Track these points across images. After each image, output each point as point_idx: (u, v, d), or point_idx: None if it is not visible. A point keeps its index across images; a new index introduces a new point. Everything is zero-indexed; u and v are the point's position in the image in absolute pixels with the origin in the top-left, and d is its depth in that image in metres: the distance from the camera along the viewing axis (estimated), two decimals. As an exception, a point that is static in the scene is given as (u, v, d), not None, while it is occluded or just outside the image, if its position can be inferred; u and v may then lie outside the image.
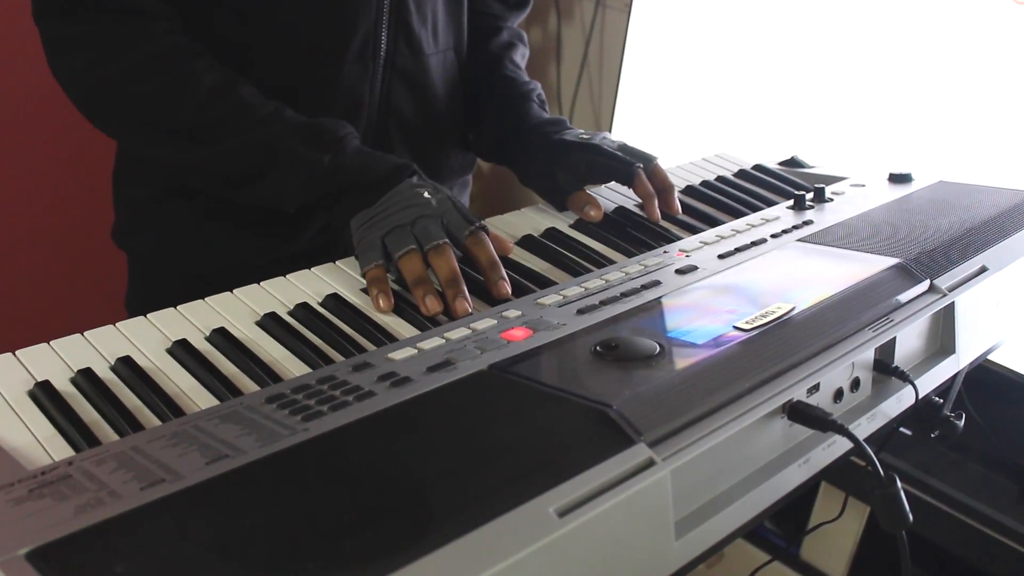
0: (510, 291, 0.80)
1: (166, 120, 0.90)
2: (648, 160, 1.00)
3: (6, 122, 1.91)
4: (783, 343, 0.64)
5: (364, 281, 0.80)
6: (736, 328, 0.65)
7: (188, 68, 0.89)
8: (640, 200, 0.99)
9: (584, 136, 1.01)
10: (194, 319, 0.74)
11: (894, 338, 0.71)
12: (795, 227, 0.91)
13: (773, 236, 0.89)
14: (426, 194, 0.84)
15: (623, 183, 1.00)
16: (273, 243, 0.99)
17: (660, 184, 0.99)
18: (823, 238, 0.87)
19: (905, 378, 0.72)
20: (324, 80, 0.96)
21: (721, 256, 0.83)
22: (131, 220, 1.07)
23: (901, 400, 0.73)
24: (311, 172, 0.87)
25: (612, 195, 1.05)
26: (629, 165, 0.97)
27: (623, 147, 1.01)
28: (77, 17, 0.89)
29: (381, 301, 0.78)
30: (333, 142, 0.88)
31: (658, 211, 0.97)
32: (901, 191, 1.02)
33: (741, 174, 1.14)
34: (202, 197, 0.99)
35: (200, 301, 0.76)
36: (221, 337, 0.72)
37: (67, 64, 0.92)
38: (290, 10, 0.94)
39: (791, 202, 0.99)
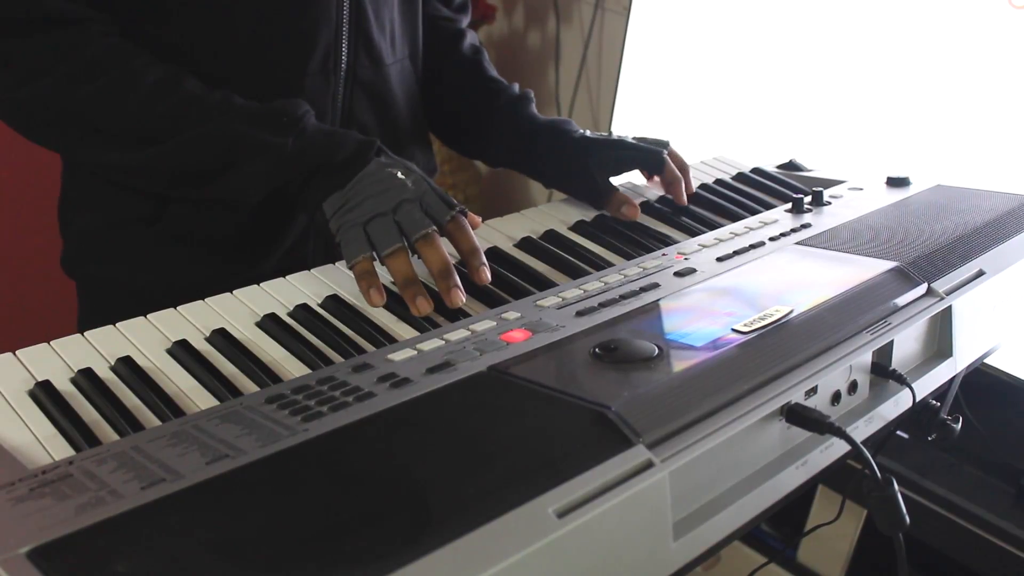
0: (490, 278, 0.80)
1: (110, 123, 0.86)
2: (665, 145, 1.06)
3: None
4: (781, 346, 0.65)
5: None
6: (734, 331, 0.66)
7: (127, 68, 0.85)
8: (667, 185, 1.04)
9: (602, 134, 1.06)
10: (194, 320, 0.74)
11: (891, 341, 0.72)
12: (793, 230, 0.91)
13: (771, 239, 0.89)
14: (400, 174, 0.83)
15: (652, 171, 1.05)
16: (238, 266, 0.96)
17: (678, 164, 1.06)
18: (821, 241, 0.87)
19: (902, 381, 0.72)
20: (286, 95, 0.92)
21: (719, 259, 0.84)
22: (83, 248, 1.02)
23: (898, 403, 0.73)
24: (275, 158, 0.84)
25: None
26: (658, 154, 1.03)
27: (639, 139, 1.06)
28: (2, 34, 0.84)
29: (373, 295, 0.77)
30: (293, 123, 0.86)
31: (685, 196, 1.03)
32: (899, 195, 1.03)
33: (739, 177, 1.15)
34: (162, 222, 0.96)
35: (200, 302, 0.77)
36: (221, 338, 0.72)
37: None
38: (250, 25, 0.91)
39: (789, 205, 1.00)
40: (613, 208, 1.00)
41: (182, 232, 0.96)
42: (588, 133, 1.05)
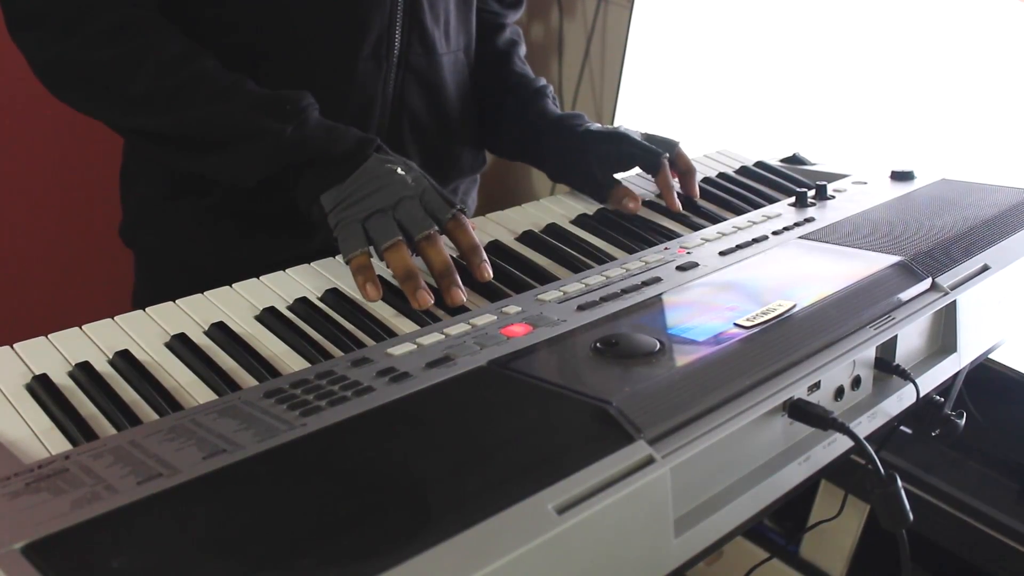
0: (491, 275, 0.80)
1: (125, 88, 0.87)
2: (672, 146, 1.05)
3: (10, 116, 1.91)
4: (784, 341, 0.64)
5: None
6: (737, 325, 0.65)
7: (150, 38, 0.87)
8: (660, 190, 1.02)
9: (609, 128, 1.05)
10: (193, 313, 0.74)
11: (895, 336, 0.71)
12: (797, 224, 0.91)
13: (774, 233, 0.88)
14: (399, 171, 0.83)
15: (648, 172, 1.03)
16: (286, 242, 0.98)
17: (684, 167, 1.04)
18: (825, 235, 0.86)
19: (906, 376, 0.72)
20: (338, 78, 0.95)
21: (722, 253, 0.83)
22: (139, 218, 1.05)
23: (902, 399, 0.72)
24: (272, 143, 0.84)
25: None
26: (656, 156, 1.01)
27: (647, 136, 1.05)
28: None
29: (370, 289, 0.77)
30: (295, 113, 0.86)
31: (678, 202, 1.01)
32: (903, 189, 1.02)
33: (743, 171, 1.14)
34: (213, 195, 0.98)
35: (199, 295, 0.76)
36: (220, 331, 0.72)
37: (30, 39, 0.89)
38: (304, 8, 0.93)
39: (793, 199, 0.99)
40: (615, 201, 1.00)
41: (233, 207, 0.98)
42: (593, 127, 1.05)
